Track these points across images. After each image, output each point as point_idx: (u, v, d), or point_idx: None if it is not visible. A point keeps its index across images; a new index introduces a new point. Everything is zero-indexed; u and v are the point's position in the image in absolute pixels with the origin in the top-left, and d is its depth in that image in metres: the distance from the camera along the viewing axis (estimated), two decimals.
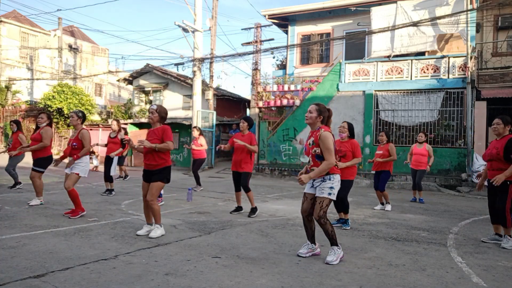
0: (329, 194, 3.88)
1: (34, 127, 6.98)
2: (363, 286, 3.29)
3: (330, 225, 3.93)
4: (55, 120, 19.67)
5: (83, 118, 6.11)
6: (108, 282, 3.15)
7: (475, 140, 12.23)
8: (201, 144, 9.82)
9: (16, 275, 3.19)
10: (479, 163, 11.75)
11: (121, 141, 8.75)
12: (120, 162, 11.19)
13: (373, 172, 7.68)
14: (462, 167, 12.33)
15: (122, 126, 9.69)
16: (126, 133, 9.61)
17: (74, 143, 5.87)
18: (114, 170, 8.66)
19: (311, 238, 4.13)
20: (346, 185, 5.61)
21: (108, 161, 8.53)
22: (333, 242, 3.94)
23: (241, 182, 6.52)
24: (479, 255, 4.44)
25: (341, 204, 5.74)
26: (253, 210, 6.53)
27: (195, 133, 9.95)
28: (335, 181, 3.94)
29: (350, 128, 5.94)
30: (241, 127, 6.56)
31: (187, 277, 3.34)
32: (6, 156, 9.30)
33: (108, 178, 8.46)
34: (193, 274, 3.41)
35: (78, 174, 5.78)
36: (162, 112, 4.80)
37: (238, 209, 6.77)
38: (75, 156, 5.79)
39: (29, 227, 4.97)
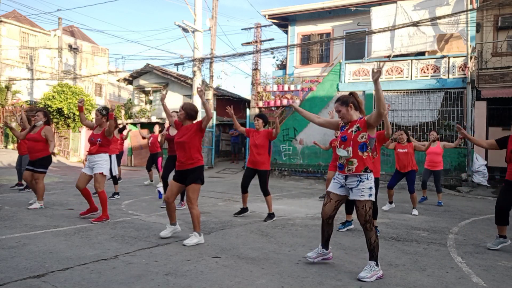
0: (370, 195, 3.53)
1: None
2: (363, 286, 3.29)
3: (376, 234, 3.53)
4: (55, 120, 19.66)
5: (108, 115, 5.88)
6: (108, 282, 3.15)
7: None
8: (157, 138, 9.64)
9: (16, 275, 3.19)
10: (479, 163, 11.75)
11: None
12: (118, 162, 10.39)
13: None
14: (462, 167, 12.33)
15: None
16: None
17: (99, 139, 5.60)
18: (116, 170, 8.00)
19: (326, 242, 3.80)
20: (376, 184, 5.20)
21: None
22: (373, 256, 3.49)
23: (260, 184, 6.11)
24: (479, 255, 4.44)
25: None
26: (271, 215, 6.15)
27: (156, 129, 10.14)
28: (373, 181, 3.59)
29: None
30: (256, 125, 6.21)
31: (187, 277, 3.34)
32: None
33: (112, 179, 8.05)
34: (193, 274, 3.41)
35: (102, 173, 5.54)
36: (188, 109, 4.63)
37: (244, 210, 6.41)
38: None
39: (29, 227, 4.97)
